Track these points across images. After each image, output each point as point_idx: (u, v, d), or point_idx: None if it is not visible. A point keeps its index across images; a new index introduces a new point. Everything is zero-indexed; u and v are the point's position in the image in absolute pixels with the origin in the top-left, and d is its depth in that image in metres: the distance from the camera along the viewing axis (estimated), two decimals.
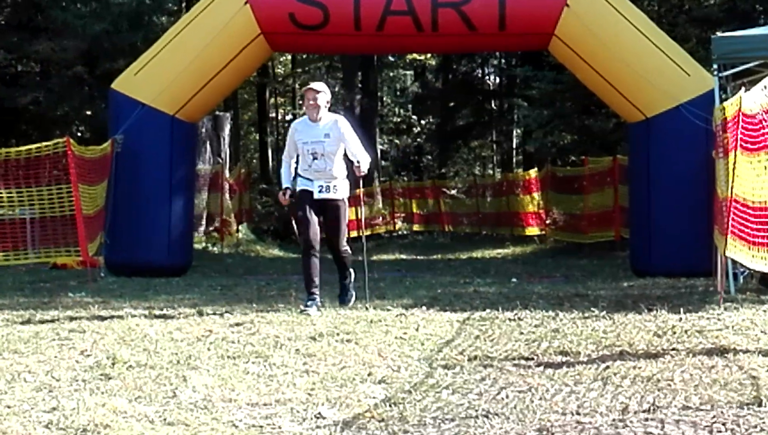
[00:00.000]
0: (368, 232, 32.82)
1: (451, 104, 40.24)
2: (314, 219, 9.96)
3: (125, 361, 6.93)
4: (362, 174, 9.90)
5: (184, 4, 30.15)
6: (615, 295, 11.20)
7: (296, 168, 10.23)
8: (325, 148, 9.92)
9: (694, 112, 13.42)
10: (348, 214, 10.27)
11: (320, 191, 9.97)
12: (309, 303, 9.85)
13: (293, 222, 10.68)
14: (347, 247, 10.25)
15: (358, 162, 9.85)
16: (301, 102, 47.43)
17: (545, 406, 5.51)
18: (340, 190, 10.04)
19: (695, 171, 13.33)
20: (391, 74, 44.71)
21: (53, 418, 5.31)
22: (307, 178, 10.07)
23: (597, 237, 20.26)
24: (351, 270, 10.46)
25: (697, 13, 20.94)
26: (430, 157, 46.17)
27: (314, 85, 10.27)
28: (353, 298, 10.44)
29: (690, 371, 6.47)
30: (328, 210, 10.03)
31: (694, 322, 8.81)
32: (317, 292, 9.95)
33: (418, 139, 46.63)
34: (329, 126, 10.00)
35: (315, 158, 9.95)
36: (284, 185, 10.17)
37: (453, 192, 32.96)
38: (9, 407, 5.53)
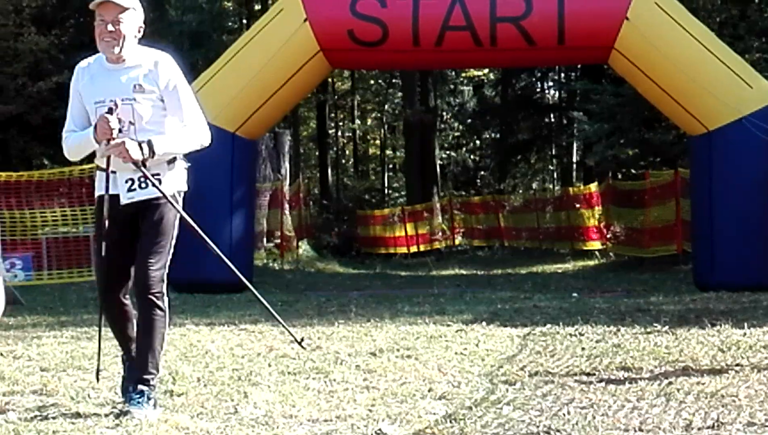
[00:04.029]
0: (427, 248, 32.83)
1: (510, 119, 40.16)
2: (122, 252, 5.80)
3: (187, 377, 6.98)
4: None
5: (244, 22, 30.45)
6: (677, 310, 11.08)
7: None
8: (136, 111, 5.64)
9: (756, 125, 13.27)
10: (176, 223, 5.97)
11: (130, 189, 5.75)
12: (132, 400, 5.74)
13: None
14: (162, 288, 5.79)
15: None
16: (358, 115, 47.87)
17: (608, 423, 5.46)
18: (167, 182, 5.91)
19: (758, 184, 13.18)
20: (450, 89, 44.74)
21: (116, 434, 5.36)
22: (104, 170, 5.76)
23: (659, 251, 20.08)
24: (156, 365, 5.86)
25: (759, 24, 20.68)
26: (489, 171, 46.11)
27: None
28: (147, 406, 5.67)
29: (755, 387, 6.38)
30: (145, 216, 5.81)
31: (759, 337, 8.69)
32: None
33: (477, 154, 46.62)
34: (144, 71, 5.66)
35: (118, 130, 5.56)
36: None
37: (513, 205, 32.86)
38: (73, 423, 5.59)
